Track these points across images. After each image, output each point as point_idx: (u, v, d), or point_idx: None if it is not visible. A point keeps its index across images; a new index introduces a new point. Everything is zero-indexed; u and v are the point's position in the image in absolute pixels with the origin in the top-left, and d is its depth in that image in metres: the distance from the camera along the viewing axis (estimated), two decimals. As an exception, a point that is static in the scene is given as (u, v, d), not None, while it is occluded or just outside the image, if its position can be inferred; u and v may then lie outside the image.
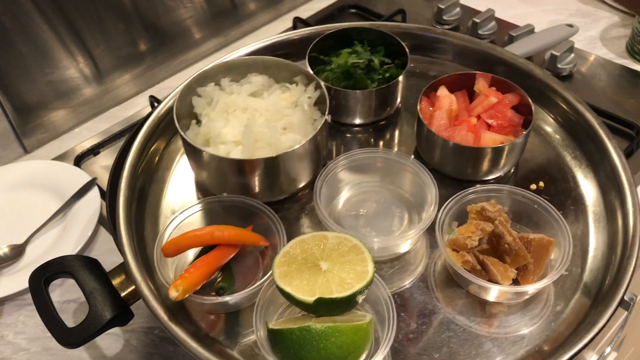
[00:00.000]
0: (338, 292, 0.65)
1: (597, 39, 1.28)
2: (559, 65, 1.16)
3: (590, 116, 0.90)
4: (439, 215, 0.76)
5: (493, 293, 0.74)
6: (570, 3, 1.37)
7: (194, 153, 0.82)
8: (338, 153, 0.91)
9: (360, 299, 0.67)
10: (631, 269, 0.74)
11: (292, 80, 0.90)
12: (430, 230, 0.77)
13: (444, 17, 1.30)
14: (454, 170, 0.86)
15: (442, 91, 0.89)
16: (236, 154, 0.81)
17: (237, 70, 0.91)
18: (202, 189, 0.89)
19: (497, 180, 0.87)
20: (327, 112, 0.83)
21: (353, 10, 1.38)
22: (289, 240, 0.72)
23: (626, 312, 1.06)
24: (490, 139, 0.84)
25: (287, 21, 1.34)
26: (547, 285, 0.75)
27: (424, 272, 0.78)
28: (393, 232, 0.81)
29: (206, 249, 0.76)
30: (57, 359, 0.83)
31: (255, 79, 0.90)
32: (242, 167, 0.79)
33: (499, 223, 0.74)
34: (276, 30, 1.34)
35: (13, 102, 1.05)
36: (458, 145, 0.82)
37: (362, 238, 0.73)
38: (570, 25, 1.18)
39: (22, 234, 0.95)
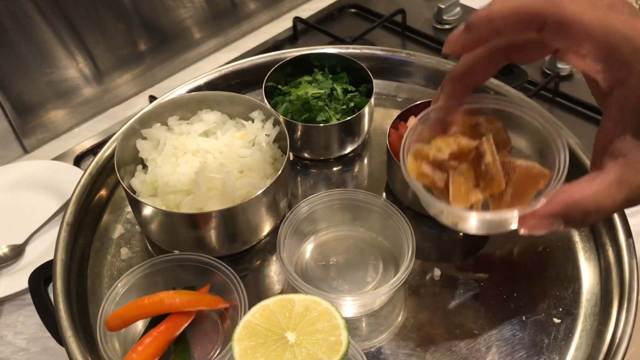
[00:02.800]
0: None
1: (597, 39, 1.28)
2: (559, 65, 1.16)
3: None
4: (405, 137, 0.65)
5: (452, 215, 0.62)
6: (570, 3, 1.37)
7: (138, 206, 0.74)
8: (302, 192, 0.85)
9: None
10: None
11: (247, 116, 0.82)
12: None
13: (444, 17, 1.30)
14: None
15: (412, 122, 0.78)
16: (187, 205, 0.73)
17: (186, 108, 0.82)
18: (153, 245, 0.80)
19: None
20: (288, 150, 0.76)
21: (353, 10, 1.38)
22: (250, 298, 0.65)
23: (626, 312, 1.06)
24: None
25: (287, 21, 1.34)
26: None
27: (405, 321, 0.71)
28: (367, 283, 0.74)
29: (157, 318, 0.68)
30: (57, 359, 0.83)
31: (206, 117, 0.82)
32: (194, 221, 0.71)
33: (485, 139, 0.62)
34: (276, 30, 1.34)
35: (13, 102, 1.05)
36: None
37: (333, 294, 0.69)
38: (571, 25, 1.18)
39: (22, 234, 0.95)
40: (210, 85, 0.95)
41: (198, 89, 0.95)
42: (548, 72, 1.17)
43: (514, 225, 0.61)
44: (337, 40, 1.25)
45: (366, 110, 0.84)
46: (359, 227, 0.79)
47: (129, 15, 1.13)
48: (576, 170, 0.82)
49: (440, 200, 0.62)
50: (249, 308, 0.63)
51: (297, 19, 1.30)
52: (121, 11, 1.11)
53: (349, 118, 0.83)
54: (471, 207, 0.62)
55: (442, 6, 1.30)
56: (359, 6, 1.37)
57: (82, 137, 1.13)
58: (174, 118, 0.82)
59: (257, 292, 0.75)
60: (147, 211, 0.73)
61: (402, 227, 0.73)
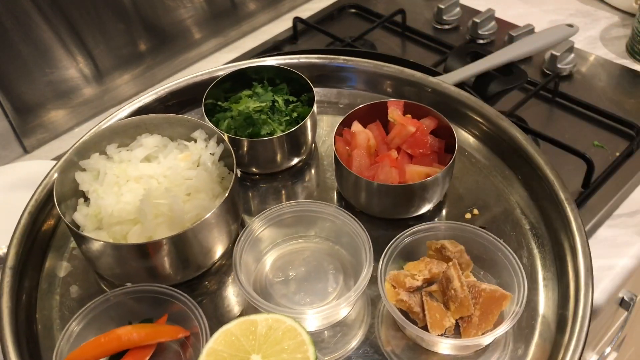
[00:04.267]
0: None
1: (597, 39, 1.28)
2: (559, 65, 1.16)
3: (514, 131, 0.85)
4: (379, 266, 0.69)
5: (427, 341, 0.67)
6: (570, 3, 1.37)
7: (84, 242, 0.70)
8: (255, 208, 0.84)
9: None
10: (589, 296, 0.70)
11: (189, 137, 0.80)
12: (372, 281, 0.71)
13: (444, 17, 1.30)
14: (383, 210, 0.80)
15: (356, 127, 0.81)
16: (134, 235, 0.71)
17: (124, 134, 0.80)
18: (103, 279, 0.77)
19: (433, 212, 0.82)
20: (235, 167, 0.74)
21: (353, 10, 1.38)
22: (211, 324, 0.64)
23: (626, 312, 1.07)
24: (415, 173, 0.77)
25: (287, 21, 1.34)
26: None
27: (370, 328, 0.71)
28: (329, 293, 0.73)
29: (117, 355, 0.66)
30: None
31: (146, 141, 0.79)
32: (144, 251, 0.68)
33: (452, 265, 0.68)
34: (276, 30, 1.34)
35: (13, 102, 1.05)
36: (384, 185, 0.76)
37: (296, 308, 0.68)
38: (570, 25, 1.18)
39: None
40: (147, 109, 0.92)
41: (135, 112, 0.91)
42: (548, 72, 1.17)
43: (484, 343, 0.68)
44: (337, 41, 1.25)
45: (309, 119, 0.83)
46: (314, 237, 0.78)
47: (129, 16, 1.13)
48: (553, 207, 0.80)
49: (416, 327, 0.67)
50: (211, 334, 0.62)
51: (297, 19, 1.30)
52: (121, 11, 1.11)
53: (293, 129, 0.82)
54: (445, 332, 0.68)
55: (442, 6, 1.30)
56: (359, 6, 1.37)
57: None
58: (113, 146, 0.79)
59: (217, 316, 0.73)
60: (93, 246, 0.70)
61: (358, 233, 0.72)
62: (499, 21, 1.29)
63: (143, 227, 0.71)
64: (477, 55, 1.06)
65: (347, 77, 0.98)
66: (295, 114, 0.86)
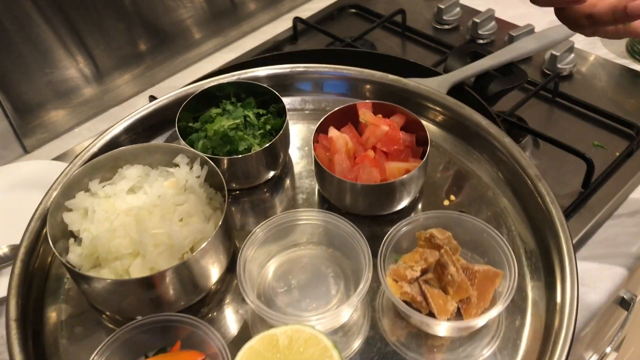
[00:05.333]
0: None
1: (597, 39, 1.28)
2: (559, 65, 1.16)
3: (476, 116, 0.88)
4: (378, 263, 0.71)
5: (434, 327, 0.71)
6: (570, 3, 1.37)
7: (86, 282, 0.69)
8: (241, 224, 0.85)
9: None
10: (570, 248, 0.73)
11: (171, 163, 0.80)
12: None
13: (444, 17, 1.31)
14: (367, 209, 0.82)
15: (333, 132, 0.84)
16: (137, 268, 0.70)
17: (104, 168, 0.79)
18: (104, 314, 0.76)
19: (414, 204, 0.84)
20: (225, 187, 0.75)
21: (353, 10, 1.38)
22: (228, 342, 0.64)
23: (626, 312, 1.06)
24: (395, 169, 0.80)
25: (287, 21, 1.34)
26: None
27: (373, 321, 0.73)
28: (333, 295, 0.75)
29: None
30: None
31: (128, 173, 0.79)
32: (150, 283, 0.68)
33: (444, 252, 0.71)
34: (276, 30, 1.34)
35: (13, 102, 1.05)
36: (368, 185, 0.79)
37: (304, 315, 0.70)
38: (570, 25, 1.18)
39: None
40: (116, 141, 0.90)
41: (107, 146, 0.89)
42: (548, 72, 1.18)
43: (480, 324, 0.71)
44: (337, 41, 1.25)
45: (286, 129, 0.85)
46: (307, 243, 0.80)
47: (129, 16, 1.13)
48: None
49: (423, 314, 0.70)
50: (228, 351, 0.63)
51: (297, 19, 1.30)
52: (121, 11, 1.11)
53: (272, 141, 0.83)
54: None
55: (442, 6, 1.30)
56: (359, 6, 1.37)
57: (82, 137, 1.13)
58: (95, 182, 0.79)
59: (224, 334, 0.73)
60: (98, 285, 0.69)
61: (351, 234, 0.74)
62: (499, 21, 1.29)
63: (144, 259, 0.70)
64: (477, 55, 1.06)
65: (309, 83, 1.00)
66: (268, 126, 0.87)
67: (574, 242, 0.90)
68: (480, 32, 1.26)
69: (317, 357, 0.61)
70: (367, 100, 0.87)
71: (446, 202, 0.84)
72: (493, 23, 1.27)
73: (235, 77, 0.95)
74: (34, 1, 1.00)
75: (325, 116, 0.85)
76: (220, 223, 0.71)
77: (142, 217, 0.73)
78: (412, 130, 0.85)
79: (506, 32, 1.24)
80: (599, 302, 0.86)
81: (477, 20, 1.25)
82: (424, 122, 0.86)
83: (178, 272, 0.69)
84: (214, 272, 0.74)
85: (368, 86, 0.97)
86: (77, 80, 1.12)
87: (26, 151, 1.12)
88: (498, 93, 1.02)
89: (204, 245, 0.69)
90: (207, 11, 1.25)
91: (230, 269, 0.76)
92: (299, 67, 0.99)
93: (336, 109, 0.86)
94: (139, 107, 0.94)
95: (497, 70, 1.04)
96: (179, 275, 0.69)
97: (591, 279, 0.87)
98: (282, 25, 1.36)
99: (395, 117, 0.86)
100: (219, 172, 0.76)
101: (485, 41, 1.27)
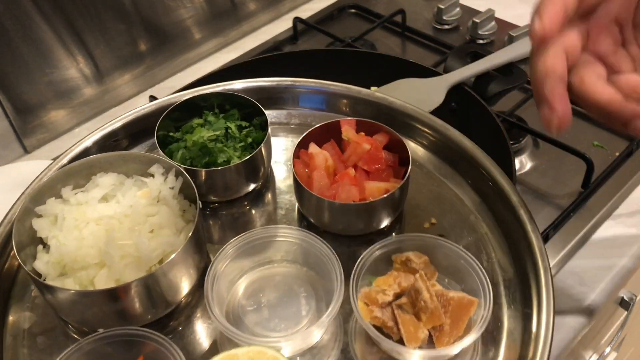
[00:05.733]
0: None
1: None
2: (559, 65, 1.16)
3: (462, 139, 0.87)
4: (351, 285, 0.69)
5: (404, 354, 0.68)
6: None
7: (49, 291, 0.67)
8: (218, 237, 0.84)
9: None
10: (548, 279, 0.71)
11: (146, 172, 0.78)
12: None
13: (444, 17, 1.31)
14: (346, 228, 0.80)
15: (314, 148, 0.82)
16: (102, 279, 0.68)
17: (78, 175, 0.77)
18: (69, 326, 0.74)
19: (392, 225, 0.82)
20: (197, 200, 0.73)
21: (353, 11, 1.38)
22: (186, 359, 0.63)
23: (626, 312, 1.07)
24: (375, 189, 0.79)
25: (287, 21, 1.34)
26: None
27: (345, 346, 0.71)
28: (303, 316, 0.73)
29: None
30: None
31: (102, 181, 0.77)
32: (114, 295, 0.66)
33: (419, 277, 0.69)
34: (276, 30, 1.34)
35: (13, 102, 1.05)
36: (346, 204, 0.77)
37: (272, 335, 0.69)
38: (570, 25, 1.18)
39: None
40: (99, 146, 0.89)
41: (86, 152, 0.88)
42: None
43: (453, 353, 0.68)
44: (337, 41, 1.25)
45: (267, 142, 0.83)
46: (282, 261, 0.78)
47: (129, 16, 1.13)
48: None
49: (393, 341, 0.68)
50: None
51: (297, 19, 1.30)
52: (121, 11, 1.11)
53: (251, 155, 0.81)
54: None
55: (442, 6, 1.30)
56: (359, 6, 1.37)
57: (82, 137, 1.13)
58: (68, 188, 0.76)
59: (191, 351, 0.71)
60: (61, 295, 0.67)
61: (326, 254, 0.73)
62: (499, 21, 1.29)
63: (110, 270, 0.69)
64: (477, 55, 1.06)
65: (296, 97, 0.98)
66: (249, 139, 0.85)
67: (574, 241, 0.91)
68: (480, 32, 1.26)
69: None
70: (351, 118, 0.85)
71: (426, 225, 0.82)
72: (493, 23, 1.27)
73: (220, 88, 0.94)
74: (34, 1, 1.00)
75: (307, 131, 0.83)
76: (190, 235, 0.69)
77: (112, 227, 0.71)
78: (395, 150, 0.83)
79: (506, 32, 1.24)
80: (599, 302, 0.86)
81: (477, 20, 1.25)
82: (410, 142, 0.86)
83: (144, 284, 0.67)
84: (183, 285, 0.72)
85: (354, 103, 0.96)
86: (77, 80, 1.12)
87: (26, 151, 1.12)
88: (498, 93, 1.02)
89: (172, 257, 0.67)
90: (207, 11, 1.25)
91: (202, 283, 0.72)
92: (286, 80, 0.97)
93: (319, 124, 0.84)
94: (132, 110, 0.93)
95: (497, 70, 1.04)
96: (145, 287, 0.67)
97: (591, 279, 0.88)
98: (282, 25, 1.36)
99: (379, 135, 0.83)
100: (193, 184, 0.74)
101: (485, 41, 1.27)
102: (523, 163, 1.02)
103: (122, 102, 1.20)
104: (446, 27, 1.32)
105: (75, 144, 0.89)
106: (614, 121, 0.55)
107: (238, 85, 0.96)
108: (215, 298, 0.70)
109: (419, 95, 1.01)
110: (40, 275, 0.70)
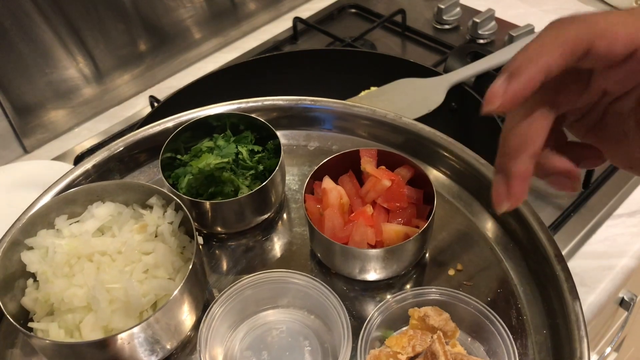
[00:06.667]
0: None
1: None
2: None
3: (484, 169, 0.78)
4: (358, 346, 0.63)
5: None
6: (570, 3, 1.37)
7: (30, 340, 0.63)
8: (224, 268, 0.77)
9: None
10: (583, 336, 0.63)
11: (145, 204, 0.73)
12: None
13: (444, 17, 1.30)
14: (360, 272, 0.72)
15: (327, 183, 0.74)
16: (88, 325, 0.63)
17: (75, 203, 0.72)
18: None
19: (412, 270, 0.74)
20: (195, 237, 0.67)
21: (353, 10, 1.38)
22: None
23: (626, 312, 1.07)
24: (393, 232, 0.70)
25: (287, 21, 1.34)
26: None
27: None
28: None
29: None
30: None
31: (98, 212, 0.71)
32: (100, 346, 0.61)
33: (437, 338, 0.62)
34: (276, 30, 1.34)
35: (13, 102, 1.05)
36: (359, 250, 0.69)
37: None
38: (570, 25, 1.18)
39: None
40: (100, 167, 0.84)
41: (87, 175, 0.83)
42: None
43: None
44: (337, 41, 1.25)
45: (278, 172, 0.76)
46: (287, 307, 0.71)
47: (129, 16, 1.13)
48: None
49: None
50: None
51: (297, 19, 1.30)
52: (121, 11, 1.11)
53: (260, 186, 0.74)
54: None
55: (442, 6, 1.30)
56: (359, 6, 1.37)
57: (82, 137, 1.13)
58: (62, 218, 0.71)
59: None
60: (41, 343, 0.62)
61: (334, 306, 0.66)
62: (499, 21, 1.29)
63: (97, 317, 0.63)
64: (477, 55, 1.06)
65: (316, 118, 0.89)
66: (261, 167, 0.78)
67: (574, 241, 0.91)
68: (480, 32, 1.26)
69: None
70: (372, 148, 0.76)
71: (451, 272, 0.73)
72: (493, 23, 1.27)
73: (235, 107, 0.87)
74: (34, 1, 1.00)
75: (322, 162, 0.75)
76: (185, 278, 0.63)
77: (102, 266, 0.66)
78: (419, 185, 0.74)
79: (506, 32, 1.24)
80: (599, 302, 0.86)
81: (477, 20, 1.25)
82: (433, 171, 0.80)
83: (133, 334, 0.61)
84: (177, 331, 0.67)
85: (379, 127, 0.87)
86: (77, 80, 1.12)
87: (26, 151, 1.12)
88: (498, 93, 1.02)
89: (164, 305, 0.62)
90: (207, 11, 1.25)
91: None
92: (306, 100, 0.89)
93: (336, 154, 0.75)
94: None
95: (497, 70, 1.04)
96: (135, 337, 0.62)
97: (591, 279, 0.87)
98: (282, 25, 1.36)
99: (402, 169, 0.75)
100: (191, 220, 0.69)
101: (485, 41, 1.27)
102: (523, 163, 1.02)
103: (122, 102, 1.20)
104: (446, 27, 1.31)
105: (79, 166, 0.84)
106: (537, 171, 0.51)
107: (254, 103, 0.89)
108: (208, 346, 0.64)
109: (419, 95, 1.01)
110: (27, 313, 0.66)
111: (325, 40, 1.28)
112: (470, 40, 1.28)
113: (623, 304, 1.04)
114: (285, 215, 0.82)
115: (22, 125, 1.09)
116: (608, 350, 1.14)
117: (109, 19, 1.10)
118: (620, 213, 0.96)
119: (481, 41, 1.27)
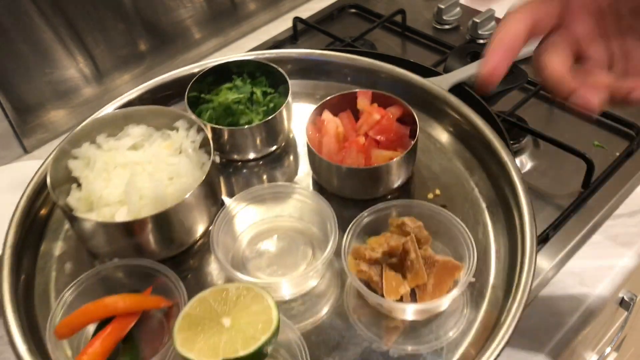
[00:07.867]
0: (243, 349, 0.62)
1: (597, 39, 1.28)
2: (559, 65, 1.16)
3: (474, 118, 0.91)
4: (343, 241, 0.76)
5: (387, 307, 0.73)
6: (570, 3, 1.37)
7: (76, 222, 0.77)
8: (237, 190, 0.87)
9: (268, 350, 0.64)
10: (532, 267, 0.74)
11: (172, 127, 0.86)
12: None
13: (444, 17, 1.30)
14: (353, 192, 0.86)
15: (327, 115, 0.88)
16: (121, 215, 0.77)
17: (113, 125, 0.86)
18: (95, 258, 0.83)
19: (399, 192, 0.87)
20: (212, 153, 0.80)
21: (353, 10, 1.38)
22: (190, 296, 0.69)
23: (626, 312, 1.07)
24: (380, 156, 0.83)
25: (287, 21, 1.34)
26: (459, 296, 0.74)
27: (338, 299, 0.77)
28: (300, 266, 0.79)
29: (105, 321, 0.71)
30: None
31: (133, 131, 0.85)
32: (129, 229, 0.75)
33: (409, 239, 0.74)
34: (276, 30, 1.34)
35: (13, 102, 1.05)
36: (350, 168, 0.82)
37: (268, 279, 0.76)
38: (570, 25, 1.18)
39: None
40: (140, 100, 0.98)
41: (127, 104, 0.97)
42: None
43: (439, 309, 0.74)
44: (337, 41, 1.25)
45: (284, 108, 0.89)
46: (288, 216, 0.84)
47: (129, 16, 1.13)
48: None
49: (377, 294, 0.73)
50: None
51: (297, 19, 1.30)
52: (121, 11, 1.12)
53: (269, 118, 0.88)
54: (401, 298, 0.73)
55: (442, 6, 1.30)
56: (359, 6, 1.37)
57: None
58: (102, 136, 0.85)
59: (200, 289, 0.74)
60: (85, 225, 0.76)
61: (324, 210, 0.78)
62: (499, 21, 1.29)
63: (129, 208, 0.77)
64: (477, 55, 1.06)
65: (324, 70, 1.03)
66: (272, 105, 0.93)
67: (574, 241, 0.91)
68: (480, 32, 1.26)
69: (257, 313, 0.66)
70: (368, 90, 0.89)
71: (430, 195, 0.86)
72: (493, 23, 1.27)
73: (253, 56, 1.00)
74: (34, 1, 1.00)
75: (324, 100, 0.88)
76: (204, 177, 0.76)
77: (135, 172, 0.79)
78: (408, 123, 0.87)
79: (506, 32, 1.24)
80: (599, 302, 0.86)
81: (477, 20, 1.25)
82: (429, 119, 0.92)
83: (156, 221, 0.74)
84: (193, 229, 0.80)
85: (382, 79, 0.99)
86: (77, 80, 1.12)
87: (26, 151, 1.12)
88: (498, 93, 1.02)
89: (185, 197, 0.75)
90: (207, 11, 1.25)
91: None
92: (315, 52, 1.04)
93: (337, 94, 0.89)
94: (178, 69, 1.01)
95: (496, 70, 1.04)
96: (157, 225, 0.75)
97: (591, 279, 0.88)
98: (282, 25, 1.36)
99: (392, 108, 0.88)
100: (210, 139, 0.82)
101: (485, 41, 1.27)
102: (523, 163, 1.02)
103: (121, 102, 1.20)
104: (446, 27, 1.31)
105: (118, 99, 0.98)
106: (556, 93, 0.60)
107: (269, 55, 1.03)
108: (221, 244, 0.77)
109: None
110: (71, 209, 0.78)
111: (325, 40, 1.28)
112: (470, 40, 1.28)
113: (623, 304, 1.04)
114: (291, 150, 0.96)
115: (22, 125, 1.09)
116: (608, 350, 1.15)
117: (109, 19, 1.10)
118: (620, 213, 0.96)
119: (481, 41, 1.27)
